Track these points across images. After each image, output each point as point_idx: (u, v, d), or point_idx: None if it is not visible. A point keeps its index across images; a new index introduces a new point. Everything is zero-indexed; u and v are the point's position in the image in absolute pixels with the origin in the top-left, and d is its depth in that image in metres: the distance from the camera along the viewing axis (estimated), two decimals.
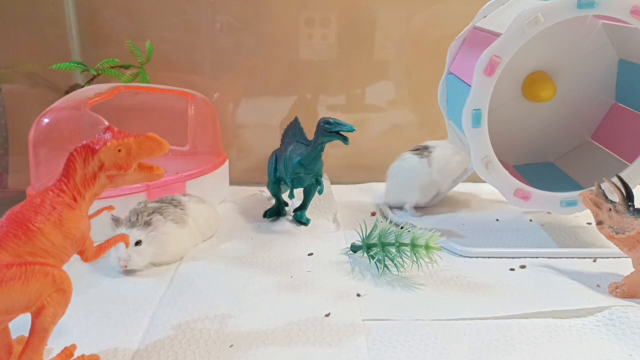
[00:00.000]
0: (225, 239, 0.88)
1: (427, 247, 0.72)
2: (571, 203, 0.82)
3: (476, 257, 0.81)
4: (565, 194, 0.82)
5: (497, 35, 0.74)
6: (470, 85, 0.76)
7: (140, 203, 0.80)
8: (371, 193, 1.11)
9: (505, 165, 0.81)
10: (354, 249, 0.81)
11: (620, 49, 0.89)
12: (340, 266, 0.78)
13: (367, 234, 0.78)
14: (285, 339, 0.60)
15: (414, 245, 0.73)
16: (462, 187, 1.09)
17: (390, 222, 0.81)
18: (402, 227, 0.77)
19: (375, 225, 0.79)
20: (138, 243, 0.74)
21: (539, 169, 0.98)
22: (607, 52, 0.91)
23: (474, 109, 0.76)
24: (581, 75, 0.93)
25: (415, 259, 0.73)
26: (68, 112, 0.88)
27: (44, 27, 1.09)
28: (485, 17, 0.86)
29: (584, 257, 0.80)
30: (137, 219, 0.76)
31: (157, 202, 0.81)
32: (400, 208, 0.98)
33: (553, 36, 0.88)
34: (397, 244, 0.74)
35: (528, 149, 0.99)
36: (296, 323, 0.63)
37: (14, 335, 0.55)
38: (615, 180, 0.70)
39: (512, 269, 0.77)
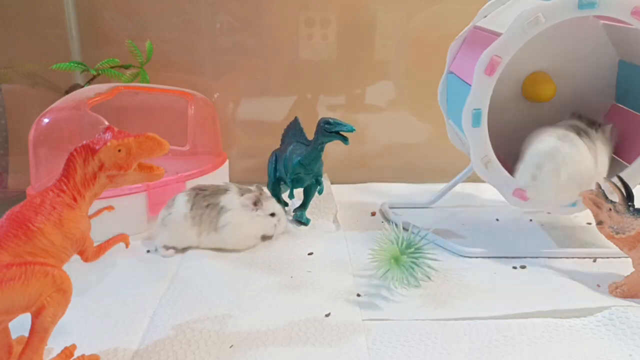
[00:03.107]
0: None
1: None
2: (570, 204, 0.82)
3: (476, 257, 0.81)
4: None
5: (498, 35, 0.74)
6: (470, 85, 0.76)
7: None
8: (371, 193, 1.11)
9: (504, 165, 0.81)
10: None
11: (621, 50, 0.89)
12: (340, 266, 0.78)
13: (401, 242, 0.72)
14: (285, 339, 0.60)
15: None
16: (462, 187, 1.08)
17: (390, 222, 0.81)
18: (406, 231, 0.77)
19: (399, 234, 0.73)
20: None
21: None
22: (607, 52, 0.91)
23: (474, 109, 0.76)
24: (581, 75, 0.92)
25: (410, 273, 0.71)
26: (68, 112, 0.88)
27: (44, 27, 1.09)
28: (486, 16, 0.86)
29: (584, 257, 0.80)
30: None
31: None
32: None
33: (553, 36, 0.88)
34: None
35: None
36: (296, 323, 0.63)
37: (14, 335, 0.55)
38: (615, 180, 0.70)
39: (514, 267, 0.77)
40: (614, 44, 0.89)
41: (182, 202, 0.81)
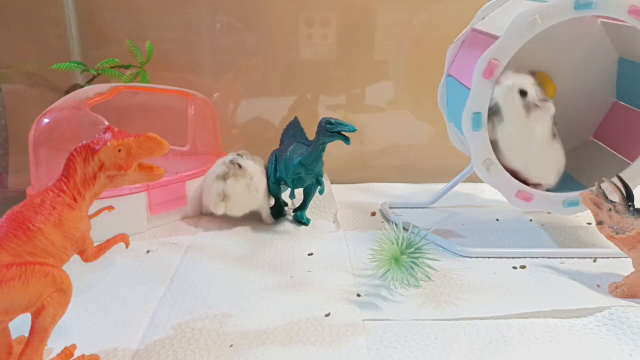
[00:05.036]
0: (225, 239, 0.88)
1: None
2: (573, 203, 0.82)
3: (476, 257, 0.81)
4: (567, 194, 0.82)
5: (495, 38, 0.74)
6: (469, 88, 0.76)
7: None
8: (371, 193, 1.11)
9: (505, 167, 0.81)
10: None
11: (620, 47, 0.89)
12: (340, 266, 0.78)
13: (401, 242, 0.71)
14: (285, 339, 0.60)
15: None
16: (462, 187, 1.09)
17: (390, 222, 0.80)
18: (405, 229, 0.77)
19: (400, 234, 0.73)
20: None
21: None
22: (606, 50, 0.91)
23: (474, 112, 0.76)
24: (581, 74, 0.93)
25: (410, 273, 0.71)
26: (68, 112, 0.88)
27: (44, 27, 1.09)
28: (484, 18, 0.86)
29: (584, 257, 0.80)
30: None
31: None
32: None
33: (552, 35, 0.88)
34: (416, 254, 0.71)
35: None
36: (296, 323, 0.63)
37: (14, 335, 0.55)
38: (615, 180, 0.70)
39: (514, 267, 0.77)
40: (613, 42, 0.90)
41: (251, 165, 0.89)
